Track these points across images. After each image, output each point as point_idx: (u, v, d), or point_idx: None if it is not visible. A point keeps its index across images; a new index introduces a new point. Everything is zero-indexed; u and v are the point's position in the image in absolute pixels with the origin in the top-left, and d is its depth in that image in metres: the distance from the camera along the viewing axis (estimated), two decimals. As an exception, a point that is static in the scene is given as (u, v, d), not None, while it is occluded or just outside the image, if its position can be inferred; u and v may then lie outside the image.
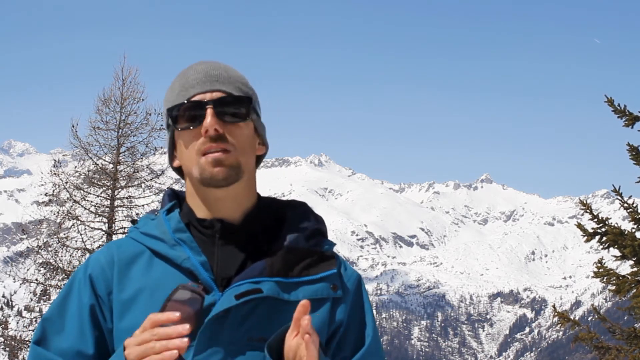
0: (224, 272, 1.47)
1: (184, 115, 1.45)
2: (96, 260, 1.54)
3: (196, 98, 1.45)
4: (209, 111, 1.43)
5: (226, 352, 1.40)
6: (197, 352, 1.40)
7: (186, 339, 1.21)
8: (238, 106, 1.47)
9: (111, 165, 16.06)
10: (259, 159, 1.58)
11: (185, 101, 1.45)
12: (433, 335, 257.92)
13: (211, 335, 1.39)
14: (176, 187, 17.69)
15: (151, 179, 16.33)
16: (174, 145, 1.53)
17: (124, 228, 16.00)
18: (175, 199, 1.60)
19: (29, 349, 1.72)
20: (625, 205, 7.65)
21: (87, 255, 15.47)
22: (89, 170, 16.05)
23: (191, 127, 1.44)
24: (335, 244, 1.57)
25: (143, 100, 16.26)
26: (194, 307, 1.26)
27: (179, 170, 1.56)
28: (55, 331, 1.49)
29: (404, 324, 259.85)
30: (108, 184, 15.90)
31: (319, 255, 1.51)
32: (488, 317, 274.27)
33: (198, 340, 1.39)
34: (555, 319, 8.06)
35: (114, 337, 1.47)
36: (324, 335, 1.48)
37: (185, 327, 1.22)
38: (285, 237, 1.51)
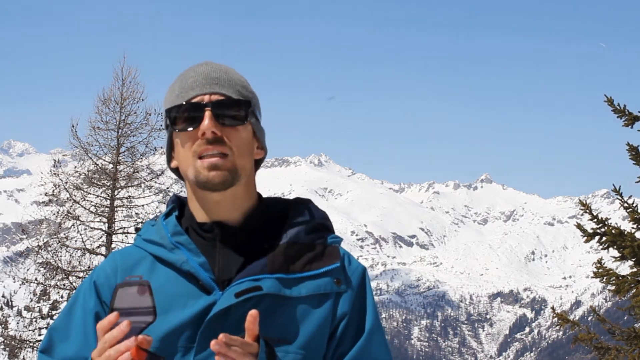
0: (226, 274, 1.46)
1: (182, 116, 1.44)
2: (102, 269, 1.56)
3: (195, 100, 1.44)
4: (207, 113, 1.41)
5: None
6: (197, 352, 1.40)
7: (132, 338, 1.18)
8: (237, 109, 1.45)
9: (111, 165, 16.07)
10: (257, 163, 1.57)
11: (184, 103, 1.44)
12: (433, 335, 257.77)
13: (212, 335, 1.35)
14: (176, 187, 17.71)
15: (151, 179, 16.35)
16: (172, 146, 1.53)
17: (124, 228, 16.03)
18: (177, 203, 1.61)
19: (36, 357, 1.69)
20: (625, 205, 7.64)
21: (87, 255, 15.49)
22: (88, 170, 16.06)
23: (189, 129, 1.43)
24: (341, 239, 1.55)
25: (143, 100, 16.32)
26: (143, 299, 1.23)
27: (176, 171, 1.56)
28: (61, 339, 1.50)
29: (404, 324, 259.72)
30: (108, 184, 15.91)
31: (322, 249, 1.50)
32: (488, 317, 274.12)
33: (198, 340, 1.40)
34: (555, 319, 8.06)
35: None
36: (327, 330, 1.47)
37: (124, 324, 1.19)
38: (286, 233, 1.50)
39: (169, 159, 1.55)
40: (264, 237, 1.51)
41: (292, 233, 1.50)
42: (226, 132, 1.43)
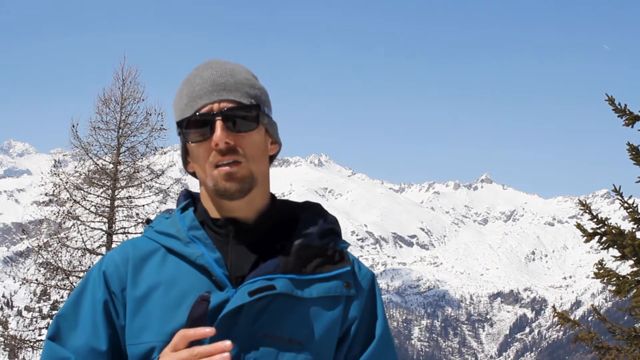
0: (238, 270, 1.46)
1: (194, 127, 1.43)
2: (111, 258, 1.54)
3: (204, 110, 1.42)
4: (218, 124, 1.40)
5: (240, 348, 1.40)
6: None
7: (227, 354, 1.21)
8: (247, 115, 1.44)
9: (111, 165, 16.06)
10: (272, 157, 1.58)
11: (194, 114, 1.43)
12: (433, 335, 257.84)
13: (224, 332, 1.39)
14: (176, 187, 17.66)
15: (151, 179, 16.34)
16: (187, 151, 1.52)
17: (124, 228, 16.03)
18: (190, 198, 1.61)
19: (43, 345, 1.71)
20: (625, 205, 7.63)
21: (87, 255, 15.48)
22: (89, 170, 16.05)
23: (201, 141, 1.42)
24: (349, 244, 1.57)
25: (143, 100, 16.32)
26: (204, 314, 1.26)
27: (195, 175, 1.55)
28: (69, 327, 1.49)
29: (404, 324, 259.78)
30: (108, 184, 15.91)
31: (333, 253, 1.51)
32: (488, 317, 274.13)
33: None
34: (555, 319, 8.05)
35: (126, 334, 1.46)
36: (336, 333, 1.48)
37: (227, 343, 1.21)
38: (299, 235, 1.50)
39: (186, 163, 1.55)
40: (276, 238, 1.51)
41: (305, 235, 1.50)
42: (239, 138, 1.42)
